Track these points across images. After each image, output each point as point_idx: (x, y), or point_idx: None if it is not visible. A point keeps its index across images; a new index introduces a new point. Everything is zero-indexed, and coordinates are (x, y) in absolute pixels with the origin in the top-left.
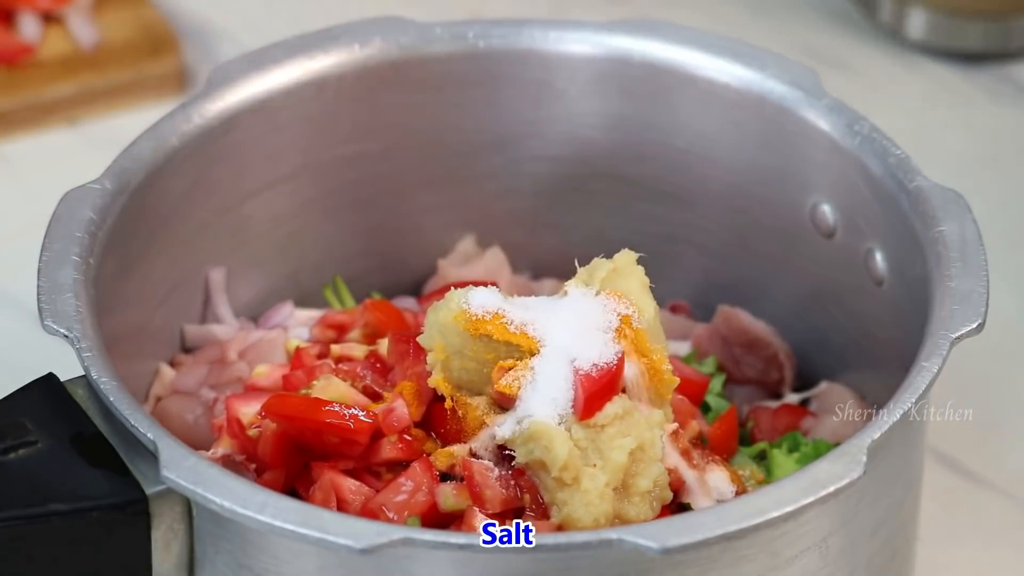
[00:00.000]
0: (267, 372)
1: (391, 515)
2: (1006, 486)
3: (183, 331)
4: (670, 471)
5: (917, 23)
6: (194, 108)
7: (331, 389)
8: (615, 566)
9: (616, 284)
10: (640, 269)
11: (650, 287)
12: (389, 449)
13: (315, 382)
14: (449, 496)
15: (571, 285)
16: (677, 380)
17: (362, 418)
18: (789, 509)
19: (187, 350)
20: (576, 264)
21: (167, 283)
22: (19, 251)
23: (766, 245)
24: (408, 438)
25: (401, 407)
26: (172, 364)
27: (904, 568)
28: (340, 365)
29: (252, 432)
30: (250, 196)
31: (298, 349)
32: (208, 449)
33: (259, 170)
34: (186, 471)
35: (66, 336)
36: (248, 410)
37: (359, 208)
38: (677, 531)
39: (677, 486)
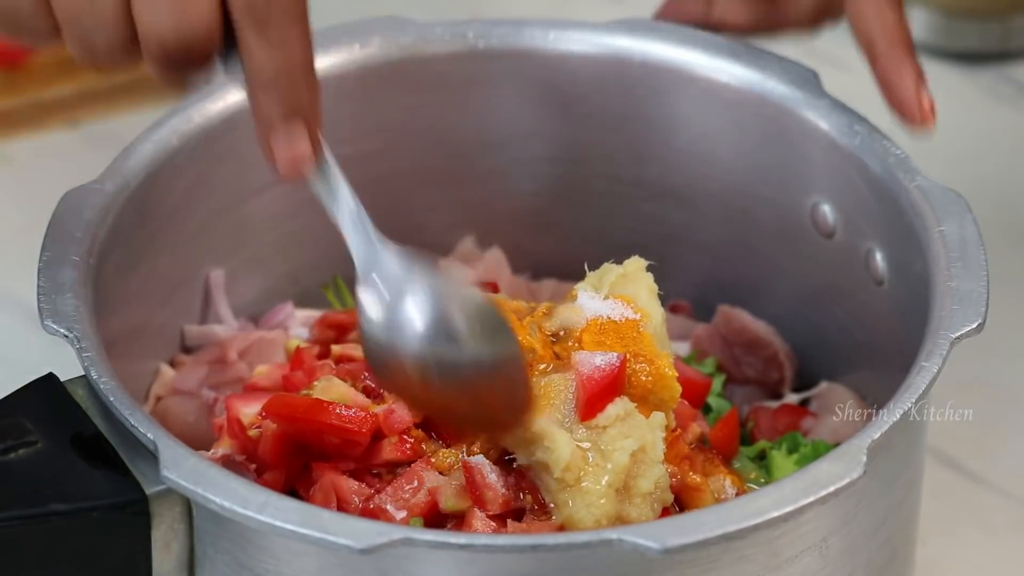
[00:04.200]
0: (267, 372)
1: (391, 515)
2: (1006, 485)
3: (183, 331)
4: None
5: (917, 23)
6: (194, 108)
7: (332, 390)
8: (615, 566)
9: (624, 289)
10: (649, 276)
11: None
12: (390, 450)
13: (316, 383)
14: (449, 496)
15: (580, 288)
16: (680, 388)
17: (363, 419)
18: (789, 509)
19: (187, 350)
20: (586, 268)
21: (167, 283)
22: (19, 251)
23: (766, 245)
24: (409, 439)
25: (402, 408)
26: (172, 364)
27: (904, 568)
28: (340, 365)
29: (252, 432)
30: (250, 196)
31: (298, 349)
32: (208, 449)
33: (259, 170)
34: (186, 471)
35: (66, 336)
36: (248, 410)
37: None
38: (677, 531)
39: (678, 489)
